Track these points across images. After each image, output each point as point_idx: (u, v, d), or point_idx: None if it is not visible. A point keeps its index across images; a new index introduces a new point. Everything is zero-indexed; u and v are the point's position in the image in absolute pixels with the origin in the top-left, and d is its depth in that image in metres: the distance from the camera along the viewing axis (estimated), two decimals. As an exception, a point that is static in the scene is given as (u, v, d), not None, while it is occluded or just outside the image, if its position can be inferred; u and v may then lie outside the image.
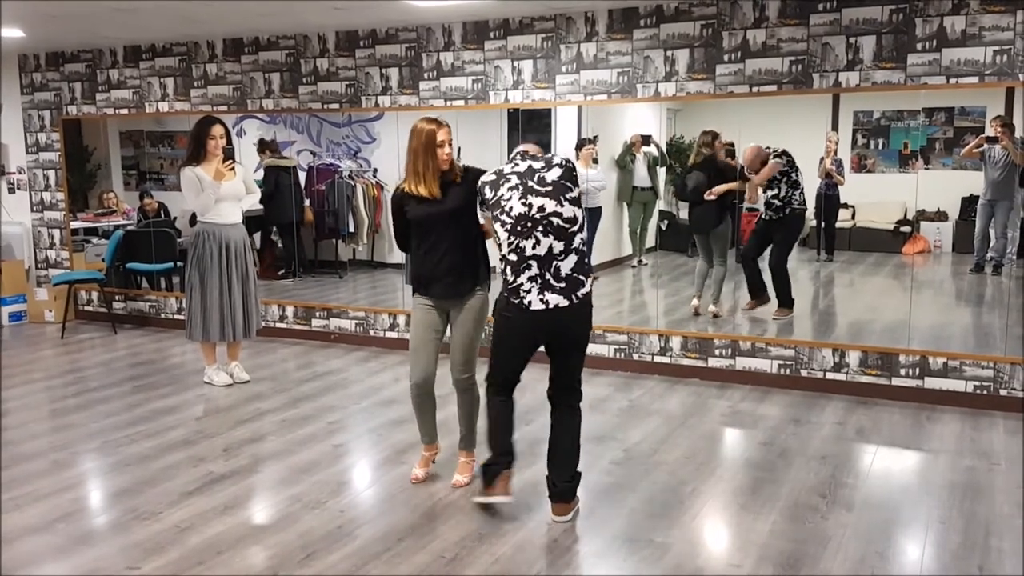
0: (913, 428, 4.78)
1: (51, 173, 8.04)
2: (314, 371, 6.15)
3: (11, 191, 8.23)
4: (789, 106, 5.74)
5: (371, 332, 6.91)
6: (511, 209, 3.35)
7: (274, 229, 8.24)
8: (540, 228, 3.34)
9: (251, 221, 6.30)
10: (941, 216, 6.49)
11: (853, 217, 6.99)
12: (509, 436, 3.63)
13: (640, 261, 7.50)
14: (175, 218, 8.06)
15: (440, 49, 6.28)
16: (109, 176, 8.46)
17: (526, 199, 3.35)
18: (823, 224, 6.78)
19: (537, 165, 3.44)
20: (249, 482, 4.09)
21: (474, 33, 6.15)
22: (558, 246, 3.35)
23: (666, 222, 7.40)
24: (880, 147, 6.52)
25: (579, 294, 3.39)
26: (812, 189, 6.48)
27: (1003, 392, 5.05)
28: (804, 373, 5.51)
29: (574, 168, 3.49)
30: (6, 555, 3.35)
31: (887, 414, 5.02)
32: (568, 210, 3.37)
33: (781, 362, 5.57)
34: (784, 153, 6.04)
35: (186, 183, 5.48)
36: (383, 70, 6.51)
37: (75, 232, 8.14)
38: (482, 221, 3.76)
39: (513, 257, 3.37)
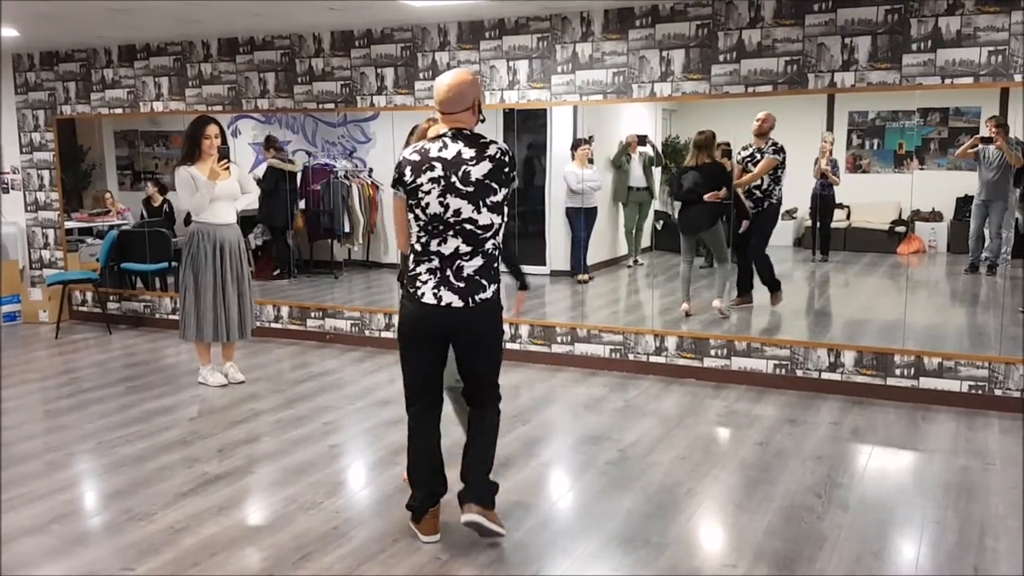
0: (908, 428, 4.78)
1: (45, 173, 8.01)
2: (309, 371, 6.14)
3: (5, 191, 8.21)
4: (784, 106, 5.75)
5: (366, 332, 6.90)
6: (427, 206, 3.17)
7: (261, 226, 8.23)
8: (452, 231, 3.19)
9: (244, 221, 6.29)
10: (936, 216, 6.50)
11: (848, 217, 7.01)
12: (432, 472, 3.40)
13: (636, 261, 7.50)
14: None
15: (435, 49, 6.27)
16: (104, 176, 8.44)
17: (444, 199, 3.14)
18: (818, 224, 6.79)
19: (467, 154, 3.17)
20: (244, 483, 4.08)
21: (469, 33, 6.15)
22: (465, 248, 3.20)
23: (661, 222, 7.41)
24: (875, 147, 6.54)
25: (477, 298, 3.22)
26: (807, 189, 6.50)
27: (998, 392, 5.06)
28: (799, 373, 5.51)
29: (508, 163, 3.23)
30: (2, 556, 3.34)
31: (882, 414, 5.02)
32: (485, 218, 3.18)
33: (777, 362, 5.57)
34: (782, 150, 6.07)
35: (180, 183, 5.46)
36: (378, 70, 6.50)
37: (69, 232, 8.12)
38: (391, 197, 3.33)
39: (418, 248, 3.25)
